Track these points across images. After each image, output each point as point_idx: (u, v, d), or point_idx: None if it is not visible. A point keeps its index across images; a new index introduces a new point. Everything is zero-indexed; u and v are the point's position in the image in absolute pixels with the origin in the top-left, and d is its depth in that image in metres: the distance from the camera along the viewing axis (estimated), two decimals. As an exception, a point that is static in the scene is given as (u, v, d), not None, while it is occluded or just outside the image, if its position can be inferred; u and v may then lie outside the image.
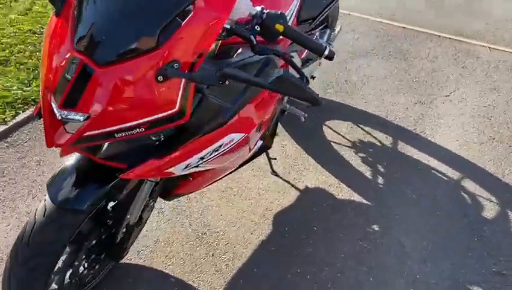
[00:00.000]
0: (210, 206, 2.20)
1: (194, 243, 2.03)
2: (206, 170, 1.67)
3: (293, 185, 2.36)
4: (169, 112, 1.15)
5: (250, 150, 1.81)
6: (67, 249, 1.52)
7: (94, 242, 1.54)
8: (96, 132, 1.14)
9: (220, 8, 1.15)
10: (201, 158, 1.40)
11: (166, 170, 1.33)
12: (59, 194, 1.31)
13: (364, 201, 2.31)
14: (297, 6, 1.67)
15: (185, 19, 1.11)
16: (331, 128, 2.74)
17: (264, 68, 1.41)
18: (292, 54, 1.94)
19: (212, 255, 2.00)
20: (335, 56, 1.37)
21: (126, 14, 1.10)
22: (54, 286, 1.57)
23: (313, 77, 2.75)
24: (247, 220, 2.16)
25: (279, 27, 1.28)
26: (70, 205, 1.31)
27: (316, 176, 2.42)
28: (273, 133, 2.02)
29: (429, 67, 3.38)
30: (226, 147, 1.46)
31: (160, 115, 1.15)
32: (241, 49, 1.41)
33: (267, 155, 2.34)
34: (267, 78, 1.09)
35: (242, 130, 1.48)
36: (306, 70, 2.43)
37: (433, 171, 2.51)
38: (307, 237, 2.11)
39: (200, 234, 2.07)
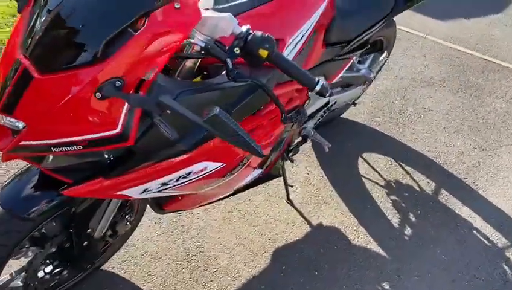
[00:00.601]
0: (210, 226, 2.06)
1: (181, 264, 1.90)
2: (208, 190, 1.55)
3: (306, 219, 2.14)
4: (110, 132, 1.02)
5: (245, 176, 1.64)
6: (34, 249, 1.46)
7: (55, 249, 1.47)
8: (32, 142, 1.04)
9: (178, 25, 1.00)
10: (164, 184, 1.26)
11: (118, 192, 1.20)
12: (9, 198, 1.24)
13: (382, 252, 2.03)
14: (313, 25, 1.46)
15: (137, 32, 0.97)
16: (367, 162, 2.48)
17: (247, 97, 1.24)
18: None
19: (196, 280, 1.85)
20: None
21: (75, 20, 0.98)
22: (18, 283, 1.53)
23: (354, 104, 2.51)
24: (245, 249, 1.99)
25: (263, 52, 1.11)
26: (18, 211, 1.23)
27: (335, 213, 2.18)
28: (278, 164, 1.83)
29: (503, 108, 2.96)
30: (198, 175, 1.30)
31: (99, 135, 1.02)
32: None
33: (285, 181, 2.14)
34: (206, 115, 0.92)
35: (219, 159, 1.31)
36: (344, 96, 2.22)
37: (475, 232, 2.16)
38: (305, 281, 1.89)
39: (190, 255, 1.94)
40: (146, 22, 0.97)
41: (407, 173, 2.44)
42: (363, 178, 2.39)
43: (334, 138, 2.58)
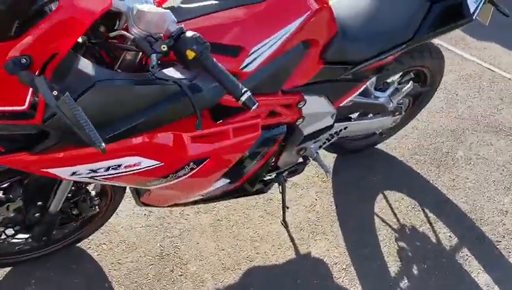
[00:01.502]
0: (194, 230, 2.02)
1: (151, 260, 1.90)
2: (161, 189, 1.54)
3: (295, 245, 2.01)
4: (17, 108, 1.05)
5: (207, 183, 1.58)
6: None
7: (13, 215, 1.55)
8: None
9: (84, 11, 1.00)
10: (93, 171, 1.26)
11: (45, 169, 1.23)
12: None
13: (365, 300, 1.84)
14: (287, 35, 1.34)
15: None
16: (386, 199, 2.26)
17: (179, 99, 1.19)
18: (308, 97, 1.62)
19: (158, 280, 1.83)
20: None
21: None
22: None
23: (381, 134, 2.31)
24: (219, 260, 1.92)
25: (190, 53, 1.07)
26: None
27: (329, 246, 2.02)
28: (255, 178, 1.73)
29: None
30: (130, 169, 1.29)
31: (7, 108, 1.05)
32: (171, 67, 1.22)
33: (283, 201, 2.02)
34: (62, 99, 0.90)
35: (154, 157, 1.28)
36: (362, 124, 2.06)
37: (485, 304, 1.86)
38: (268, 308, 1.78)
39: (163, 254, 1.92)
40: (57, 4, 0.99)
41: (429, 220, 2.18)
42: (375, 216, 2.18)
43: (361, 168, 2.41)
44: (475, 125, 2.78)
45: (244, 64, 1.31)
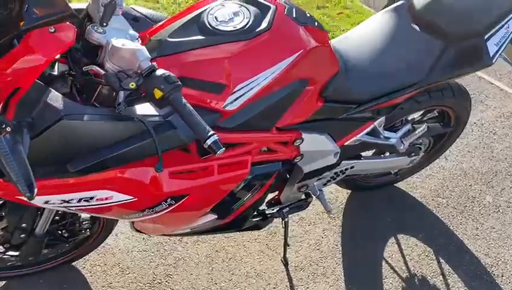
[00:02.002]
0: (190, 259, 1.97)
1: (142, 287, 1.86)
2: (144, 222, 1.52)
3: (291, 286, 1.91)
4: None
5: (194, 217, 1.53)
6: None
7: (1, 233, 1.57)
8: None
9: (45, 49, 0.99)
10: (66, 201, 1.24)
11: (18, 197, 1.23)
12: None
13: None
14: (275, 75, 1.27)
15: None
16: (398, 244, 2.11)
17: (142, 138, 1.15)
18: (307, 135, 1.54)
19: (145, 309, 1.80)
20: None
21: None
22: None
23: (396, 173, 2.18)
24: (210, 294, 1.86)
25: (157, 93, 1.03)
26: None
27: (328, 290, 1.91)
28: (248, 214, 1.66)
29: None
30: (103, 202, 1.26)
31: (-29, 138, 1.06)
32: (147, 103, 1.18)
33: (284, 237, 1.94)
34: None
35: (127, 191, 1.25)
36: (372, 163, 1.95)
37: None
38: None
39: (155, 282, 1.88)
40: (20, 40, 0.99)
41: (443, 272, 2.01)
42: (383, 261, 2.04)
43: (375, 207, 2.28)
44: (510, 169, 2.57)
45: (228, 102, 1.26)
